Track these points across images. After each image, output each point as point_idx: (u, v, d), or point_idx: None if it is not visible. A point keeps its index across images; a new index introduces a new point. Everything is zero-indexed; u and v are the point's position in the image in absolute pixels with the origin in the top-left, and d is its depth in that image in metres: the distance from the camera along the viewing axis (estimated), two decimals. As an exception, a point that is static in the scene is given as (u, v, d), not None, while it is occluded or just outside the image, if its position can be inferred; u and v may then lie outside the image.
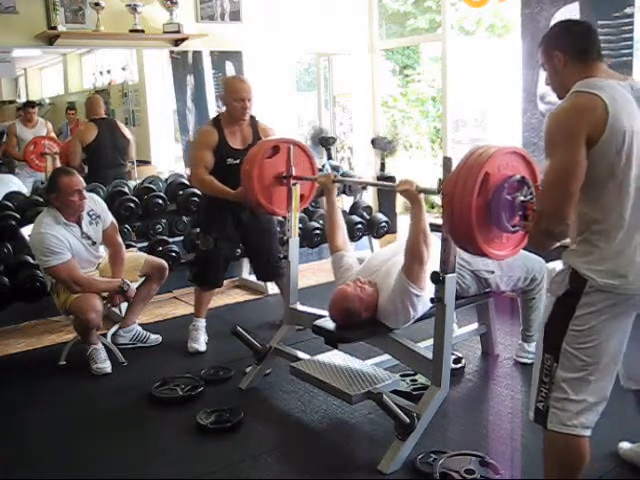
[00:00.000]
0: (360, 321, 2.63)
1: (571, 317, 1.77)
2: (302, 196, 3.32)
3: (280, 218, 3.79)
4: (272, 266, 3.68)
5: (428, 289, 2.54)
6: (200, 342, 3.63)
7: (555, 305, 1.82)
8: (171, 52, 5.17)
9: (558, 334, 1.79)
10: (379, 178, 5.59)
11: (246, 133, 3.52)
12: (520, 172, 2.08)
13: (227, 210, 3.50)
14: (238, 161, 3.37)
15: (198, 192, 4.68)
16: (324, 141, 5.59)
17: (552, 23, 3.91)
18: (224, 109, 3.53)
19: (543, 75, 1.96)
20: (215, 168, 3.44)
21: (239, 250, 4.26)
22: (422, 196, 2.51)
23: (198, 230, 4.52)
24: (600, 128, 1.67)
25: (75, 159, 4.65)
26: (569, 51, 1.82)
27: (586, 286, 1.75)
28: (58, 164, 4.68)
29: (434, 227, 2.59)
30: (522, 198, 2.02)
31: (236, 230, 3.58)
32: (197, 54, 5.27)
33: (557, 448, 1.84)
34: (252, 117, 3.53)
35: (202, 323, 3.68)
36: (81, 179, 3.39)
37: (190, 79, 5.39)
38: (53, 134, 5.07)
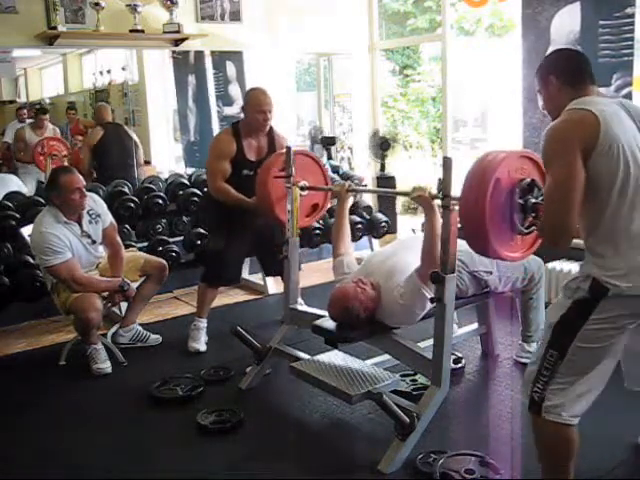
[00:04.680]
0: (359, 320, 2.63)
1: (586, 321, 1.83)
2: (316, 205, 3.37)
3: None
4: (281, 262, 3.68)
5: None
6: (201, 342, 3.63)
7: (571, 308, 1.88)
8: (173, 52, 5.18)
9: (569, 334, 1.86)
10: (379, 178, 5.59)
11: (262, 144, 3.56)
12: (530, 175, 2.16)
13: (236, 211, 3.50)
14: (252, 172, 3.43)
15: (198, 192, 4.70)
16: (325, 141, 5.59)
17: (553, 23, 3.94)
18: (241, 116, 3.58)
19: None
20: (231, 178, 3.48)
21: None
22: (436, 202, 2.51)
23: (203, 230, 4.54)
24: (593, 140, 1.75)
25: (84, 165, 4.70)
26: (563, 76, 1.93)
27: (608, 294, 1.80)
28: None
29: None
30: (533, 200, 2.12)
31: (246, 228, 3.57)
32: (198, 54, 5.28)
33: (546, 435, 1.94)
34: (270, 127, 3.56)
35: (203, 323, 3.68)
36: (81, 177, 3.39)
37: (191, 79, 5.40)
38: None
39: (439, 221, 2.47)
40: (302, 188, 3.16)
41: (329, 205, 3.52)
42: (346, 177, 5.22)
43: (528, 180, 2.12)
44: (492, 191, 2.06)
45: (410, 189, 2.58)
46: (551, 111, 1.98)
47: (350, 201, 3.17)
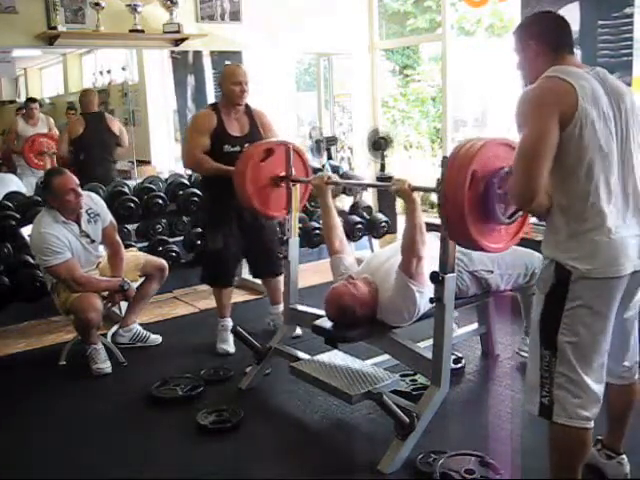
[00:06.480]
0: (357, 318, 2.64)
1: (562, 310, 1.81)
2: None
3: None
4: (268, 263, 3.68)
5: (428, 287, 2.54)
6: (229, 343, 3.57)
7: (545, 301, 1.86)
8: (172, 52, 5.17)
9: (552, 329, 1.83)
10: (379, 179, 5.58)
11: (243, 121, 3.52)
12: (509, 162, 2.05)
13: (231, 208, 3.48)
14: (236, 149, 3.39)
15: (198, 192, 4.69)
16: (326, 141, 5.59)
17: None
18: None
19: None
20: (212, 156, 3.42)
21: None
22: (417, 194, 2.55)
23: (201, 230, 4.54)
24: (570, 114, 1.72)
25: (61, 148, 4.65)
26: (543, 42, 1.88)
27: (572, 276, 1.78)
28: (55, 164, 4.69)
29: (433, 227, 2.60)
30: None
31: (239, 227, 3.56)
32: (197, 54, 5.28)
33: (561, 439, 1.89)
34: (247, 105, 3.54)
35: (229, 322, 3.63)
36: (74, 178, 3.37)
37: (190, 79, 5.39)
38: (55, 130, 5.06)
39: (420, 213, 2.53)
40: (280, 179, 3.17)
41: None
42: (346, 177, 5.22)
43: (506, 169, 2.04)
44: (470, 181, 2.01)
45: (390, 182, 2.63)
46: (526, 76, 1.94)
47: (331, 193, 3.16)
